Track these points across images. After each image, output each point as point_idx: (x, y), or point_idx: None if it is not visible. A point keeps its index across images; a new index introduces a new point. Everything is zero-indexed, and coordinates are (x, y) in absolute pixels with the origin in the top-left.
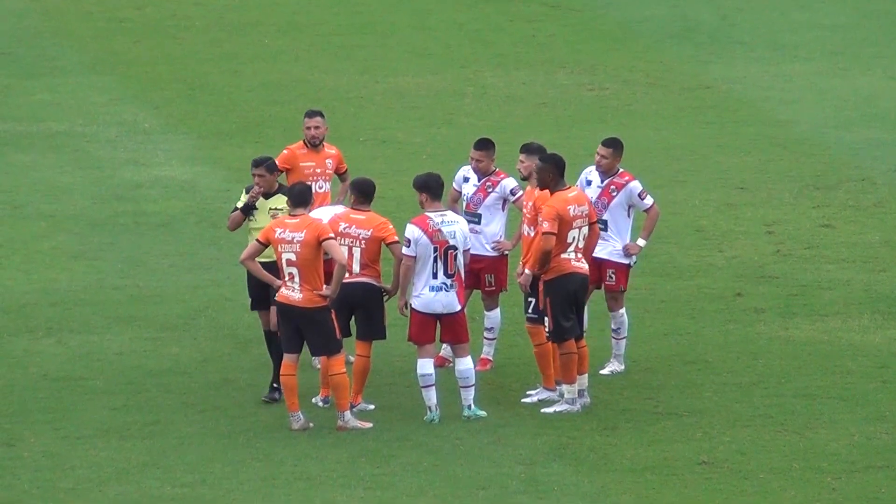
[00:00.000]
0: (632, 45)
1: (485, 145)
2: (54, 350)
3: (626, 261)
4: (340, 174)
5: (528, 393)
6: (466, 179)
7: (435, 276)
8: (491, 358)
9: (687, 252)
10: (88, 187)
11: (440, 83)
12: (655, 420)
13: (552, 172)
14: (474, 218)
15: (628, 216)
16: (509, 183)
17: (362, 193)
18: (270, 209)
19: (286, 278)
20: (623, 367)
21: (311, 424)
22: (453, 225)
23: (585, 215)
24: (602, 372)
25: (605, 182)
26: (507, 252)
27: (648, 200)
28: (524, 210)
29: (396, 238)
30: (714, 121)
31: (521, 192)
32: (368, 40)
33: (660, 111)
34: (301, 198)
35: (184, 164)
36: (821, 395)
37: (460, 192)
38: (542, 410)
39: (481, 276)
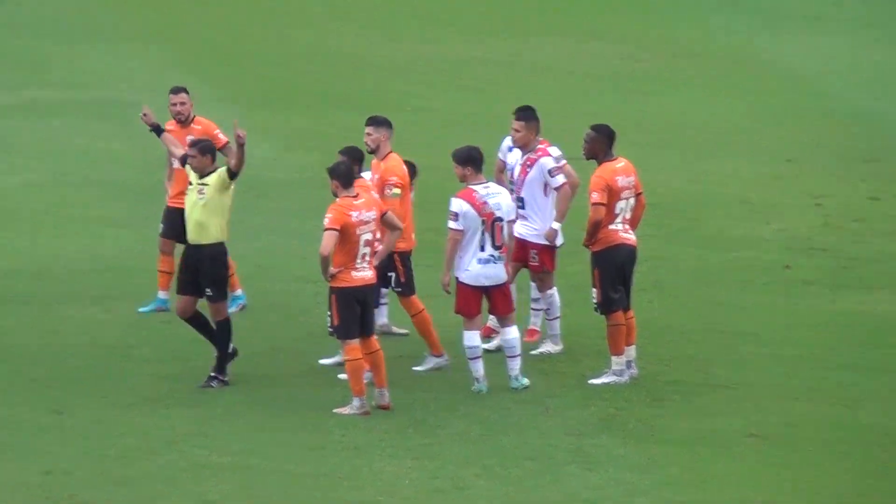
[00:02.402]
0: (673, 15)
1: (524, 111)
2: (102, 318)
3: (545, 242)
4: (219, 149)
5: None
6: (511, 149)
7: (483, 248)
8: (539, 328)
9: (736, 224)
10: (135, 155)
11: (478, 52)
12: (704, 392)
13: (602, 143)
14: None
15: (545, 194)
16: (553, 154)
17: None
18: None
19: (359, 259)
20: (560, 347)
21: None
22: (497, 196)
23: (632, 186)
24: (534, 353)
25: (524, 157)
26: None
27: (559, 179)
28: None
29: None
30: (762, 92)
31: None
32: (416, 10)
33: (704, 83)
34: (349, 177)
35: (231, 133)
36: (869, 368)
37: (505, 162)
38: (590, 381)
39: (527, 250)
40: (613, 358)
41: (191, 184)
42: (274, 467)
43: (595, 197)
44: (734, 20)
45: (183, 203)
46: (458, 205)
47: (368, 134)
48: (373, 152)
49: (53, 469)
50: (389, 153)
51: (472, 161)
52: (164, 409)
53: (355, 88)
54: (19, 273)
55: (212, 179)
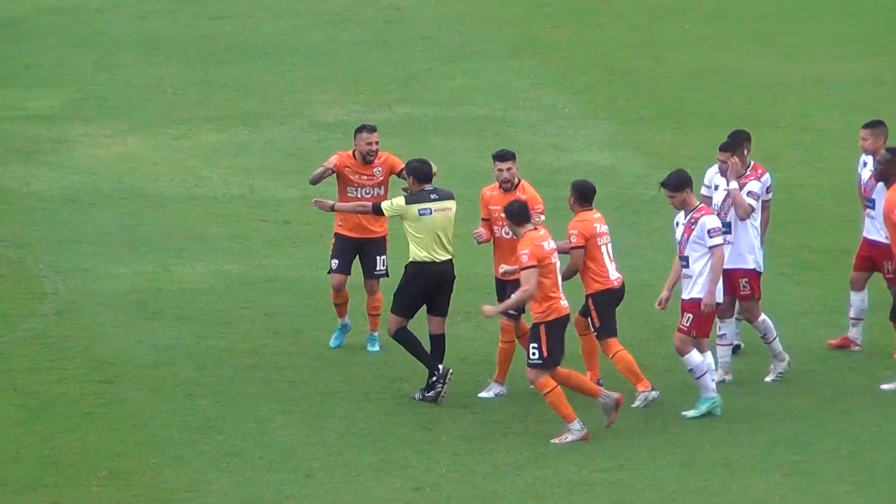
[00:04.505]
0: None
1: (873, 125)
2: (472, 335)
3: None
4: (398, 174)
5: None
6: (865, 165)
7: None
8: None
9: None
10: None
11: (860, 70)
12: None
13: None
14: (870, 203)
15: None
16: None
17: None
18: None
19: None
20: (786, 360)
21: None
22: None
23: None
24: (767, 380)
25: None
26: None
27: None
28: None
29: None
30: None
31: None
32: (789, 26)
33: None
34: (523, 215)
35: (604, 150)
36: None
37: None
38: None
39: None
40: None
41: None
42: (644, 483)
43: None
44: None
45: (349, 233)
46: (718, 221)
47: (509, 169)
48: (513, 187)
49: (423, 485)
50: (520, 182)
51: (689, 183)
52: (534, 424)
53: (729, 106)
54: (390, 288)
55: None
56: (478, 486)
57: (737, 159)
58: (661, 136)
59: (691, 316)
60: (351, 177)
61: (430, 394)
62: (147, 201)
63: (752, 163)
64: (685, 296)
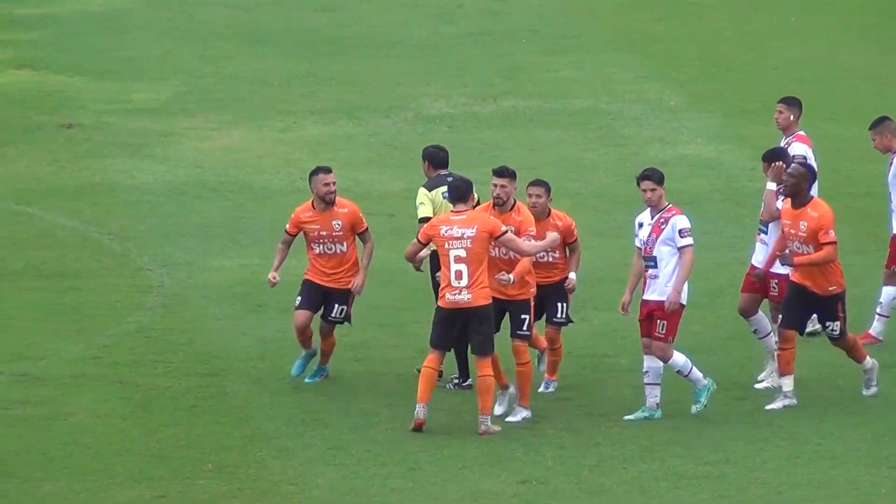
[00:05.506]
0: None
1: (874, 124)
2: (578, 328)
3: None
4: (359, 233)
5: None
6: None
7: None
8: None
9: None
10: (613, 165)
11: None
12: None
13: (808, 179)
14: None
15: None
16: None
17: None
18: None
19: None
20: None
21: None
22: None
23: None
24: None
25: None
26: None
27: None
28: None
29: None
30: None
31: None
32: (891, 18)
33: None
34: (458, 192)
35: (709, 142)
36: None
37: None
38: None
39: None
40: None
41: None
42: (750, 476)
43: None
44: None
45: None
46: (689, 222)
47: (503, 186)
48: (503, 205)
49: (529, 478)
50: (516, 204)
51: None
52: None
53: (833, 99)
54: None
55: None
56: (584, 479)
57: (781, 163)
58: (765, 129)
59: (666, 322)
60: (311, 232)
61: None
62: (252, 194)
63: (800, 132)
64: (656, 297)
